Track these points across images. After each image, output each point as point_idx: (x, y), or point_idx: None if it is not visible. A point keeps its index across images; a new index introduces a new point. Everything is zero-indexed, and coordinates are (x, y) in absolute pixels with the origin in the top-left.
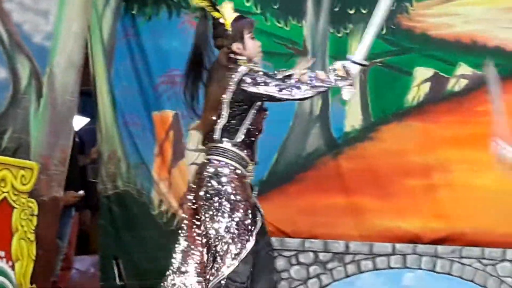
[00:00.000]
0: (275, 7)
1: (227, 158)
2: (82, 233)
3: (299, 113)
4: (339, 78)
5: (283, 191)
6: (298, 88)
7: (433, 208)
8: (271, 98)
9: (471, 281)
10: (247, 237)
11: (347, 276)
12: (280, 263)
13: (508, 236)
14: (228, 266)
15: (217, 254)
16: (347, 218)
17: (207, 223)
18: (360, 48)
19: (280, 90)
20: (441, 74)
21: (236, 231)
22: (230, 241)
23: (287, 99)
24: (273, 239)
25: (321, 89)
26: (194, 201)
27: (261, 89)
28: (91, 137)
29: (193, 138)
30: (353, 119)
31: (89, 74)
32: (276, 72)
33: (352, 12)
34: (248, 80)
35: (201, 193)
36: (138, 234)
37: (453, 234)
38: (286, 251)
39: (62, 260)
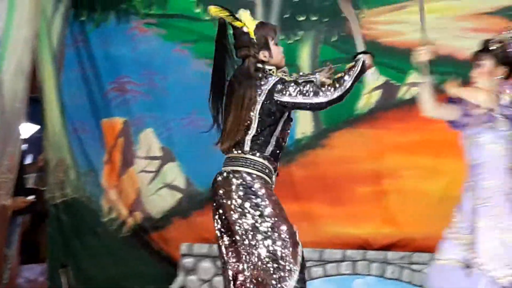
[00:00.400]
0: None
1: (258, 171)
2: (30, 241)
3: None
4: (354, 72)
5: None
6: (328, 91)
7: (383, 214)
8: (305, 106)
9: (421, 286)
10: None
11: None
12: None
13: None
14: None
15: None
16: (298, 225)
17: (246, 235)
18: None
19: (316, 95)
20: (392, 81)
21: (286, 243)
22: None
23: (320, 105)
24: None
25: (348, 86)
26: (222, 213)
27: (295, 99)
28: (38, 145)
29: (143, 146)
30: (304, 126)
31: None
32: (298, 76)
33: (302, 19)
34: (281, 89)
35: (234, 205)
36: (87, 242)
37: (403, 240)
38: None
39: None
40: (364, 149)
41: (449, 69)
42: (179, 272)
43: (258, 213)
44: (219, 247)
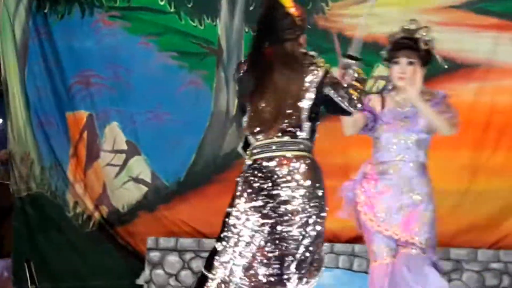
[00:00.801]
0: (189, 5)
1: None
2: None
3: (216, 113)
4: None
5: (201, 192)
6: (358, 104)
7: None
8: (339, 111)
9: None
10: None
11: None
12: (197, 264)
13: None
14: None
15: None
16: None
17: (304, 225)
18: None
19: (355, 107)
20: None
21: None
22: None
23: (348, 114)
24: (191, 240)
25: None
26: (268, 202)
27: (341, 102)
28: (2, 139)
29: (108, 139)
30: None
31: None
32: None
33: None
34: (329, 83)
35: (295, 193)
36: (53, 237)
37: None
38: (204, 252)
39: None
40: (330, 143)
41: None
42: (146, 266)
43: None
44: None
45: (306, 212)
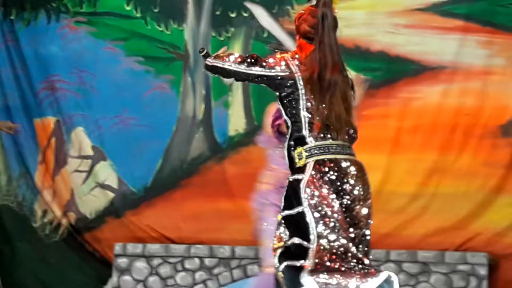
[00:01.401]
0: (156, 10)
1: None
2: None
3: (182, 118)
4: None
5: (168, 197)
6: None
7: None
8: None
9: None
10: None
11: (234, 281)
12: (165, 270)
13: (391, 237)
14: None
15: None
16: (232, 223)
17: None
18: None
19: None
20: None
21: None
22: None
23: None
24: (158, 246)
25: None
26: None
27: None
28: None
29: (75, 145)
30: (236, 123)
31: None
32: None
33: (233, 15)
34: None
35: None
36: (17, 248)
37: None
38: (172, 257)
39: None
40: None
41: (381, 65)
42: (113, 273)
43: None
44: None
45: (368, 199)
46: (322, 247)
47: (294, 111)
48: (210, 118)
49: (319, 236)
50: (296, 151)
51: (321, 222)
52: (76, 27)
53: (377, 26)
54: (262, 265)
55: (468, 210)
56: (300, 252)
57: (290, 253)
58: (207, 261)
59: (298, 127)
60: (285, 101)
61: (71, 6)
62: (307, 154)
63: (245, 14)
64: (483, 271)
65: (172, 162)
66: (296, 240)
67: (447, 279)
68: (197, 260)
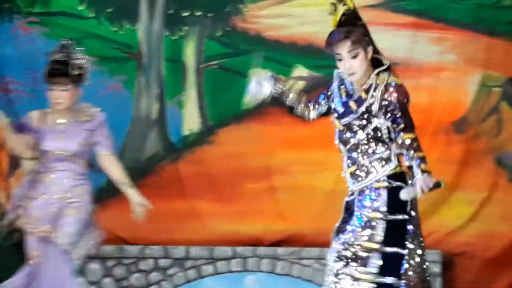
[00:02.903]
0: (109, 10)
1: None
2: None
3: (136, 118)
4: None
5: (122, 198)
6: None
7: (273, 210)
8: None
9: (311, 281)
10: None
11: (188, 282)
12: (119, 271)
13: None
14: None
15: None
16: (187, 223)
17: None
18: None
19: None
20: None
21: None
22: None
23: None
24: (112, 247)
25: None
26: None
27: None
28: None
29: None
30: (191, 123)
31: None
32: None
33: (186, 14)
34: None
35: None
36: None
37: (293, 236)
38: (126, 258)
39: None
40: (252, 145)
41: (333, 62)
42: None
43: None
44: None
45: None
46: None
47: None
48: (164, 117)
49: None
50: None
51: None
52: (29, 28)
53: (330, 23)
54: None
55: (422, 208)
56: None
57: None
58: (162, 262)
59: None
60: None
61: (24, 6)
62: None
63: (198, 13)
64: (436, 269)
65: (126, 163)
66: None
67: None
68: (151, 261)
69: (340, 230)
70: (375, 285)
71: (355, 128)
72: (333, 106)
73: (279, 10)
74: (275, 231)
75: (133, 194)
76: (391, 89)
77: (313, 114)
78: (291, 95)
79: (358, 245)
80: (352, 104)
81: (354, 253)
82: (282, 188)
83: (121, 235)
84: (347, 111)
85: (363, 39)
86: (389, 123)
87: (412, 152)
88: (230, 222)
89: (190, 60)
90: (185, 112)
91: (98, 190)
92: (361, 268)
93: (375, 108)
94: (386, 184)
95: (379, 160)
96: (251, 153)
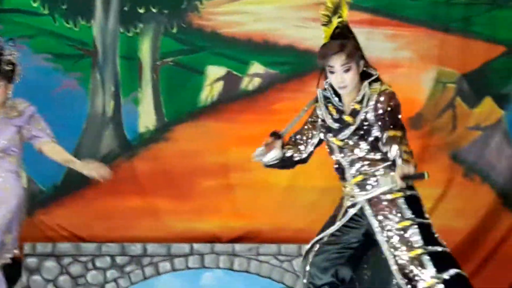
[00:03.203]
0: (64, 7)
1: None
2: None
3: (92, 115)
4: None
5: (78, 196)
6: None
7: (231, 207)
8: None
9: (269, 277)
10: None
11: (145, 279)
12: (76, 268)
13: (303, 232)
14: None
15: None
16: (144, 220)
17: None
18: None
19: None
20: (234, 73)
21: None
22: None
23: None
24: (68, 244)
25: None
26: None
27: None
28: None
29: None
30: (146, 120)
31: None
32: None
33: (142, 11)
34: None
35: None
36: None
37: (250, 232)
38: (82, 256)
39: None
40: (209, 142)
41: (290, 59)
42: (23, 273)
43: None
44: None
45: None
46: None
47: None
48: (120, 115)
49: None
50: None
51: None
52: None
53: (286, 20)
54: None
55: None
56: None
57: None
58: (119, 259)
59: None
60: None
61: None
62: None
63: (154, 10)
64: None
65: (82, 160)
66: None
67: None
68: (108, 258)
69: (336, 241)
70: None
71: (355, 139)
72: (324, 126)
73: (235, 7)
74: (233, 228)
75: (83, 167)
76: (384, 97)
77: (307, 152)
78: (288, 152)
79: (408, 261)
80: (348, 118)
81: (410, 271)
82: (239, 185)
83: (77, 232)
84: (343, 126)
85: (356, 53)
86: (379, 126)
87: (396, 146)
88: (187, 219)
89: (146, 57)
90: (140, 109)
91: (54, 188)
92: (425, 274)
93: (370, 117)
94: (401, 194)
95: (388, 168)
96: (208, 150)
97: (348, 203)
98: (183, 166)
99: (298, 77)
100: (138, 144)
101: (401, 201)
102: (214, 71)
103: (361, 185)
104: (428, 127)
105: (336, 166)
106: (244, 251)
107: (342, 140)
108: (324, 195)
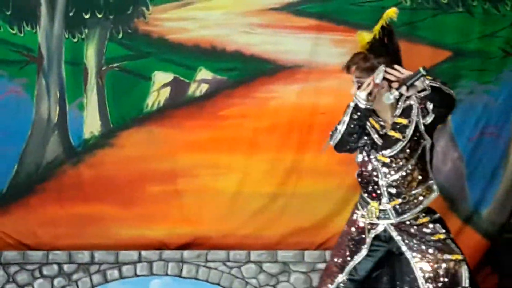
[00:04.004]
0: (8, 13)
1: None
2: None
3: (37, 121)
4: None
5: (24, 203)
6: None
7: (178, 213)
8: None
9: (218, 284)
10: None
11: (93, 287)
12: (22, 277)
13: (252, 238)
14: None
15: None
16: (91, 228)
17: None
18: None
19: None
20: (181, 78)
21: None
22: None
23: None
24: (15, 253)
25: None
26: None
27: None
28: None
29: None
30: (92, 126)
31: None
32: None
33: (87, 16)
34: None
35: None
36: None
37: (199, 239)
38: (29, 264)
39: None
40: (155, 148)
41: (237, 65)
42: None
43: None
44: None
45: None
46: None
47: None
48: (65, 121)
49: None
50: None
51: None
52: None
53: (233, 26)
54: None
55: (327, 209)
56: None
57: None
58: (66, 267)
59: None
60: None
61: None
62: None
63: (99, 15)
64: None
65: (27, 167)
66: None
67: (307, 278)
68: (55, 266)
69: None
70: None
71: (402, 156)
72: (366, 141)
73: (182, 13)
74: (181, 234)
75: None
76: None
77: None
78: None
79: (446, 271)
80: (394, 133)
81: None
82: (186, 191)
83: (23, 240)
84: (389, 141)
85: (374, 68)
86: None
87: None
88: (134, 226)
89: (91, 63)
90: (86, 115)
91: None
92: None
93: (414, 112)
94: (428, 218)
95: (425, 190)
96: (154, 156)
97: (370, 225)
98: (129, 172)
99: (245, 83)
100: (83, 150)
101: (428, 225)
102: (161, 77)
103: (398, 209)
104: None
105: (367, 175)
106: (192, 257)
107: (389, 157)
108: (271, 201)
